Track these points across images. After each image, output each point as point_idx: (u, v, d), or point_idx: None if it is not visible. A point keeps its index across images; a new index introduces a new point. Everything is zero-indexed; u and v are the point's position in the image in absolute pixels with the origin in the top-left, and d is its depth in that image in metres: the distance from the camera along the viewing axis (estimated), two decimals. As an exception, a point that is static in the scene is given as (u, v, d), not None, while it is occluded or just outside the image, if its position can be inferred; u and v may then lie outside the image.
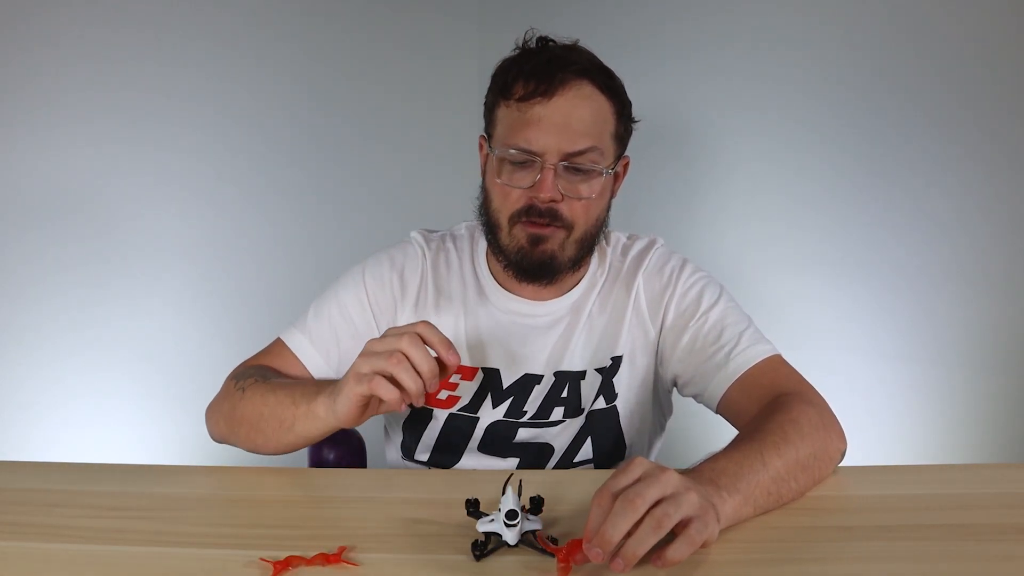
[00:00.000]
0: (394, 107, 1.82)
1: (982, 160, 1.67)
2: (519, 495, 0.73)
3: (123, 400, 1.82)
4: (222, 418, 1.00)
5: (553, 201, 0.98)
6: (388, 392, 0.80)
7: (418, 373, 0.81)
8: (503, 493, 0.72)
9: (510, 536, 0.71)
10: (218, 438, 1.03)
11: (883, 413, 1.76)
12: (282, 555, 0.71)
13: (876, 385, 1.75)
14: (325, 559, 0.71)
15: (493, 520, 0.72)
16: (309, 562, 0.70)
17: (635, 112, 1.07)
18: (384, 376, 0.81)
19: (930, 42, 1.64)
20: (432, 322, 1.04)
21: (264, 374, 1.00)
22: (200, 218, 1.79)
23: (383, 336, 0.84)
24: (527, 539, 0.72)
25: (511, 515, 0.70)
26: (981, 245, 1.70)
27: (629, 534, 0.64)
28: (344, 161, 1.82)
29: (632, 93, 1.05)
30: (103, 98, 1.72)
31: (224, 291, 1.82)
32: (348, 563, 0.71)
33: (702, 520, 0.67)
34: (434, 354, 0.83)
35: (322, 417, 0.88)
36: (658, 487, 0.66)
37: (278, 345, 1.09)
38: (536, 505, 0.75)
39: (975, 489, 0.86)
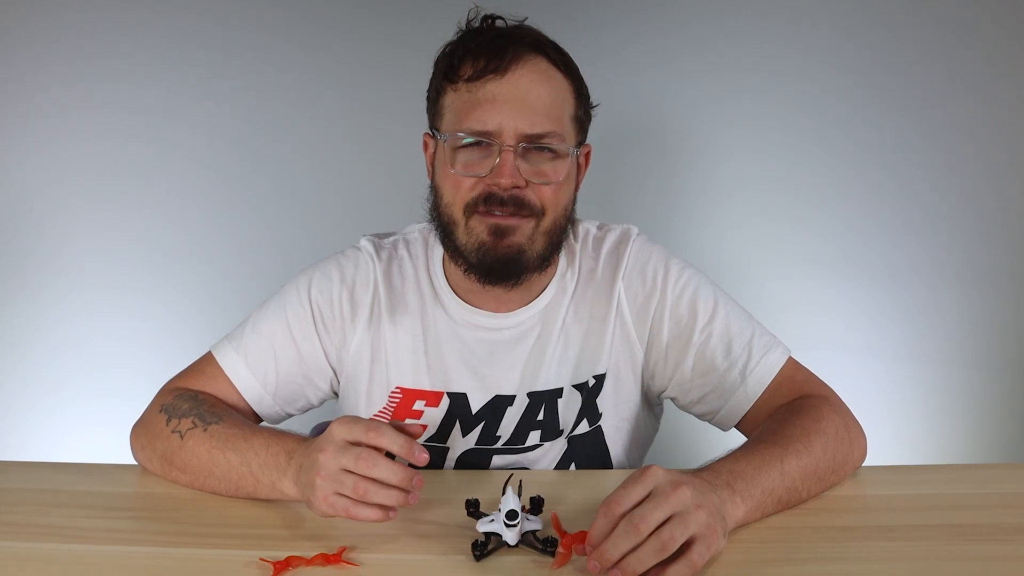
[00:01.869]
0: (393, 106, 1.81)
1: (982, 160, 1.67)
2: (519, 495, 0.73)
3: (123, 400, 1.81)
4: (155, 456, 0.90)
5: (516, 188, 0.87)
6: (371, 514, 0.72)
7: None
8: (503, 493, 0.72)
9: (510, 536, 0.71)
10: (148, 470, 0.92)
11: (884, 413, 1.75)
12: (282, 555, 0.71)
13: (876, 385, 1.75)
14: (325, 559, 0.71)
15: (493, 520, 0.72)
16: (309, 562, 0.70)
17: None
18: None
19: (928, 39, 1.64)
20: (388, 340, 0.99)
21: (200, 412, 0.89)
22: (200, 220, 1.79)
23: (332, 450, 0.72)
24: (527, 539, 0.72)
25: (511, 515, 0.70)
26: (981, 245, 1.70)
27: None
28: (336, 161, 1.81)
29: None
30: (82, 96, 1.72)
31: (224, 292, 1.81)
32: (348, 563, 0.71)
33: (706, 542, 0.66)
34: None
35: (295, 496, 0.79)
36: (666, 507, 0.65)
37: (210, 364, 0.98)
38: (536, 505, 0.75)
39: (975, 489, 0.86)
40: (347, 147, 1.77)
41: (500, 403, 0.98)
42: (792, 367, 0.95)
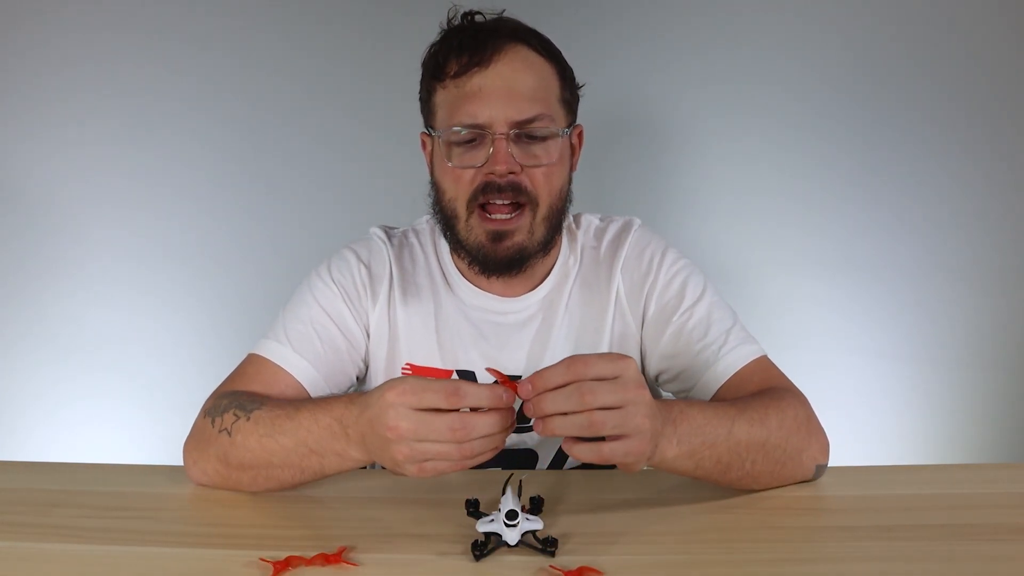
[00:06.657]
0: (394, 106, 1.81)
1: (980, 158, 1.67)
2: (519, 495, 0.73)
3: (122, 400, 1.81)
4: (211, 465, 0.87)
5: (512, 173, 0.91)
6: (482, 459, 0.70)
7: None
8: (503, 493, 0.72)
9: (510, 536, 0.71)
10: (207, 483, 0.88)
11: (883, 413, 1.75)
12: (282, 555, 0.71)
13: (876, 385, 1.75)
14: (325, 559, 0.71)
15: (493, 520, 0.72)
16: (309, 562, 0.70)
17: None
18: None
19: (926, 38, 1.64)
20: (401, 320, 1.01)
21: (239, 403, 0.87)
22: (194, 219, 1.78)
23: (406, 427, 0.68)
24: (527, 539, 0.72)
25: (511, 515, 0.70)
26: (980, 244, 1.70)
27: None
28: (334, 161, 1.81)
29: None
30: (92, 101, 1.71)
31: (222, 291, 1.81)
32: (348, 563, 0.71)
33: (628, 446, 0.67)
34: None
35: (363, 460, 0.78)
36: (620, 397, 0.66)
37: (253, 363, 0.96)
38: (536, 505, 0.75)
39: (975, 489, 0.86)
40: (349, 147, 1.77)
41: None
42: (766, 363, 0.96)
